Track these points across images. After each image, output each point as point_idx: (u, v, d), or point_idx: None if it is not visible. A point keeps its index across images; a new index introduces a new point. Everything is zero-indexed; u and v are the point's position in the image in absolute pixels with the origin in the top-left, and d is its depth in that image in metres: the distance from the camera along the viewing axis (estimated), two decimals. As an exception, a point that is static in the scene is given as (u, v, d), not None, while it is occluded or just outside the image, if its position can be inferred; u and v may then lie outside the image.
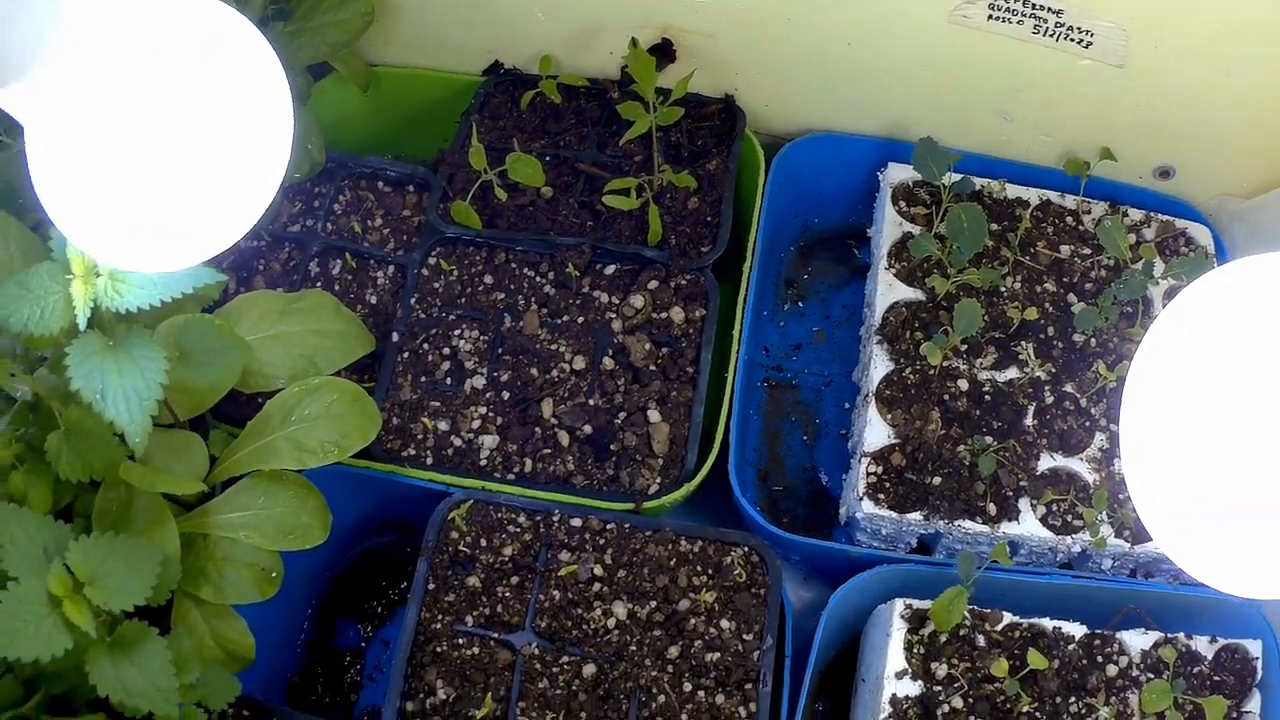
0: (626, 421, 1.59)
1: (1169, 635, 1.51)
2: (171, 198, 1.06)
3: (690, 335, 1.63)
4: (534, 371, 1.61)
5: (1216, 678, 1.51)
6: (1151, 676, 1.49)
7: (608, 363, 1.62)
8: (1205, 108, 1.61)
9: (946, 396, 1.61)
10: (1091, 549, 1.58)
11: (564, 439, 1.58)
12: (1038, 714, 1.48)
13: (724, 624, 1.50)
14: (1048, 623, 1.53)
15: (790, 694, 1.50)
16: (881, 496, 1.57)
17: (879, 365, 1.64)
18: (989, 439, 1.58)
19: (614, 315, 1.64)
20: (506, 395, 1.61)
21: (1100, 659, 1.51)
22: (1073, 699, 1.49)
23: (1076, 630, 1.53)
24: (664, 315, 1.64)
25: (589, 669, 1.47)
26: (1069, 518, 1.59)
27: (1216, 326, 0.98)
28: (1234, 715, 1.54)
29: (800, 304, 1.87)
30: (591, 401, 1.60)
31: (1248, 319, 0.96)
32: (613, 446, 1.58)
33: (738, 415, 1.61)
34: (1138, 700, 1.49)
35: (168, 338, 1.38)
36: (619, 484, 1.57)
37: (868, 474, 1.58)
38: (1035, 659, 1.48)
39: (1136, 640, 1.52)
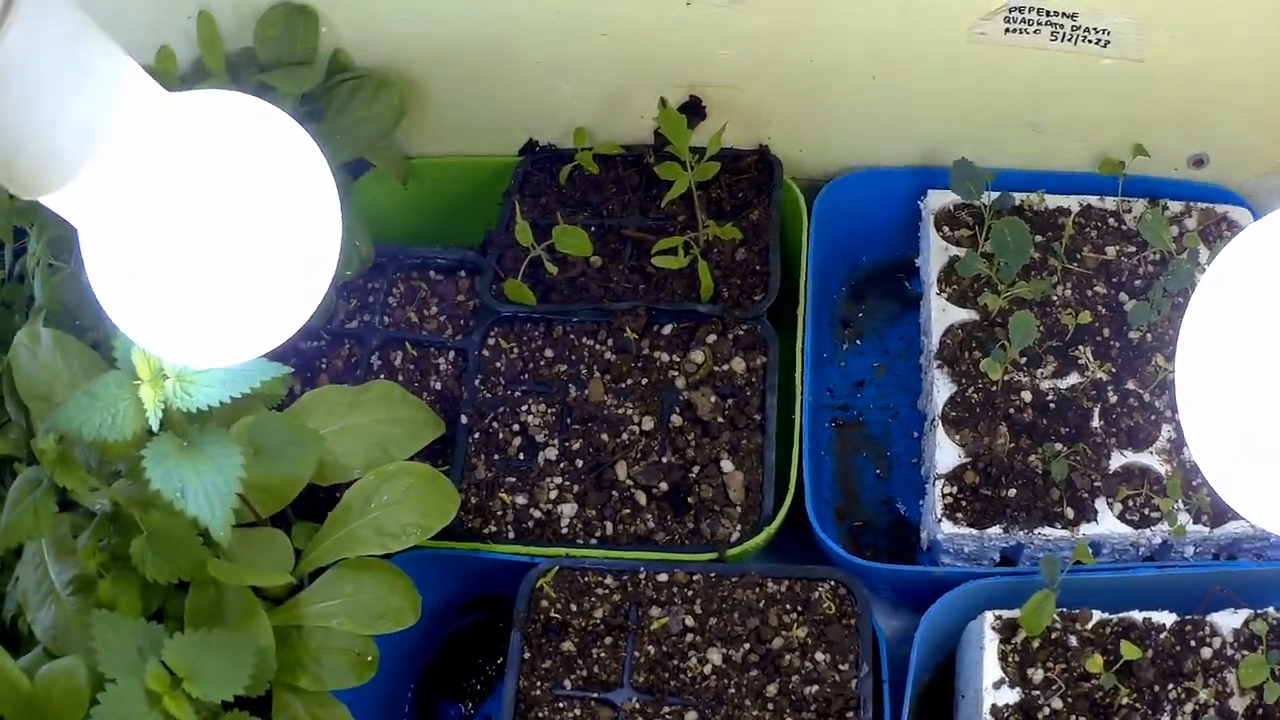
0: (701, 474, 1.74)
1: (1258, 611, 1.62)
2: (227, 293, 1.12)
3: (754, 384, 1.78)
4: (604, 437, 1.77)
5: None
6: (1246, 653, 1.61)
7: (676, 420, 1.77)
8: (1229, 88, 1.72)
9: (1012, 410, 1.78)
10: (1171, 538, 1.73)
11: (641, 498, 1.74)
12: (1138, 705, 1.64)
13: (819, 656, 1.66)
14: (1137, 615, 1.67)
15: (891, 718, 1.68)
16: (959, 515, 1.74)
17: (942, 389, 1.78)
18: (1058, 445, 1.73)
19: (676, 373, 1.79)
20: (580, 463, 1.76)
21: (1193, 643, 1.64)
22: (1170, 686, 1.63)
23: (1166, 619, 1.67)
24: (725, 367, 1.79)
25: (691, 717, 1.65)
26: (1146, 511, 1.73)
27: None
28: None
29: (858, 342, 2.00)
30: (664, 459, 1.76)
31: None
32: (690, 500, 1.73)
33: (809, 456, 1.76)
34: (1235, 678, 1.65)
35: (240, 436, 1.49)
36: (700, 536, 1.72)
37: (943, 495, 1.74)
38: (1128, 650, 1.63)
39: (1227, 620, 1.65)
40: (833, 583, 1.67)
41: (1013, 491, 1.71)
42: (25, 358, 1.62)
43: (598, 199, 1.92)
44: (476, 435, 1.79)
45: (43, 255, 1.75)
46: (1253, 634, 1.64)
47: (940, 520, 1.70)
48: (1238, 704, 1.61)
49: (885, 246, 2.03)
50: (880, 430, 1.94)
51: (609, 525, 1.72)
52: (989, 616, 1.65)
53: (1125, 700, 1.61)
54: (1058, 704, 1.62)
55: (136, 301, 1.11)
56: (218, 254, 1.09)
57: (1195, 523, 1.69)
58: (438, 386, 1.84)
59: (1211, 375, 1.11)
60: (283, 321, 1.21)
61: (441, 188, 2.01)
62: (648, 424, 1.76)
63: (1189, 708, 1.61)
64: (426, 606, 1.67)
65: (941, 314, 1.82)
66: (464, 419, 1.79)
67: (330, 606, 1.60)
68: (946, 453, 1.74)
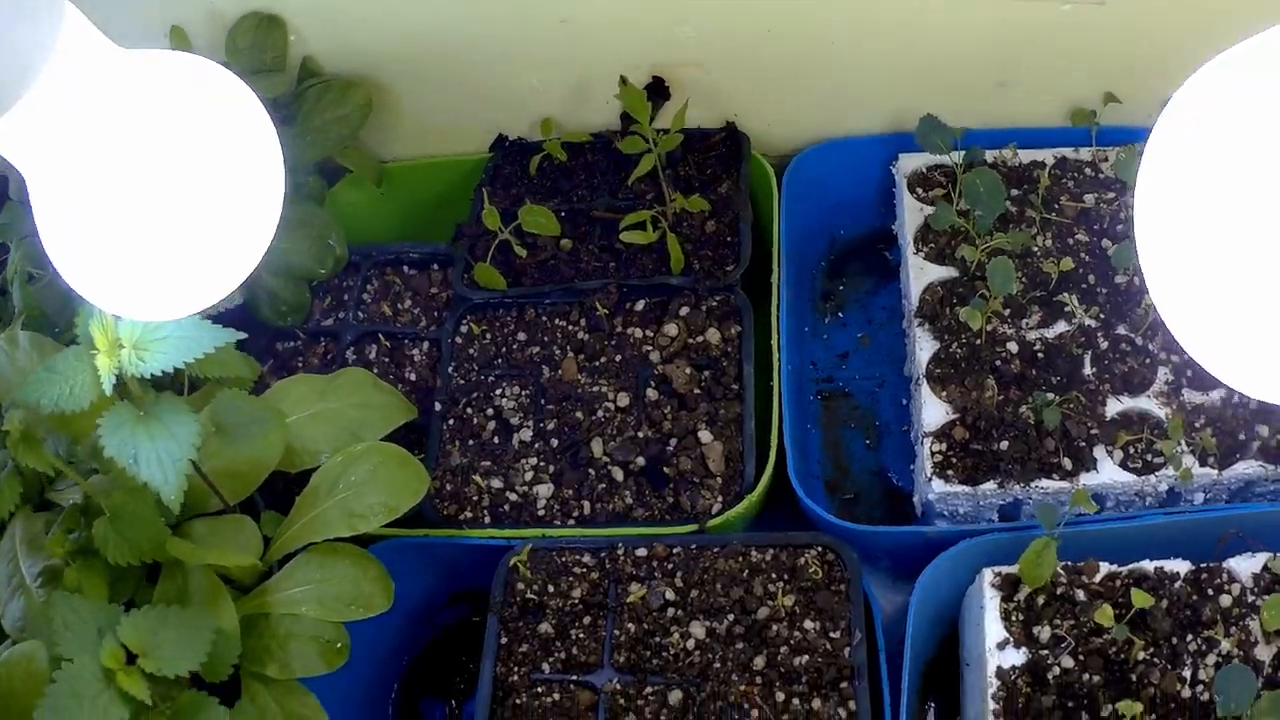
0: (679, 447, 1.48)
1: (1278, 554, 1.36)
2: (169, 242, 1.02)
3: (730, 354, 1.53)
4: (579, 415, 1.52)
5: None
6: (1268, 598, 1.34)
7: (651, 394, 1.51)
8: (1192, 24, 1.47)
9: (998, 362, 1.49)
10: (1179, 484, 1.43)
11: (618, 475, 1.48)
12: (1155, 659, 1.33)
13: (807, 625, 1.37)
14: (1148, 565, 1.38)
15: (891, 690, 1.35)
16: (950, 473, 1.44)
17: (924, 346, 1.51)
18: (1050, 395, 1.46)
19: (650, 347, 1.54)
20: (555, 443, 1.50)
21: (1211, 591, 1.35)
22: (1189, 637, 1.33)
23: (1180, 567, 1.37)
24: (700, 339, 1.54)
25: (675, 696, 1.35)
26: (1149, 457, 1.44)
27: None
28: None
29: (840, 314, 1.74)
30: (640, 434, 1.49)
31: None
32: (668, 473, 1.46)
33: (793, 427, 1.49)
34: (1259, 626, 1.33)
35: (204, 417, 1.30)
36: (680, 509, 1.45)
37: (932, 454, 1.45)
38: (1140, 598, 1.32)
39: (1245, 565, 1.36)
40: (819, 548, 1.39)
41: (1005, 444, 1.42)
42: (3, 360, 1.44)
43: (567, 185, 1.68)
44: (450, 422, 1.53)
45: (20, 264, 1.58)
46: (1274, 577, 1.36)
47: (930, 480, 1.41)
48: (1264, 652, 1.33)
49: (862, 219, 1.77)
50: (867, 400, 1.67)
51: (586, 504, 1.46)
52: (987, 574, 1.36)
53: (1141, 655, 1.31)
54: (1068, 662, 1.32)
55: (81, 249, 0.99)
56: (161, 202, 0.99)
57: (1202, 465, 1.41)
58: (412, 377, 1.59)
59: (1171, 225, 0.86)
60: (224, 274, 1.08)
61: (416, 190, 1.78)
62: (623, 400, 1.50)
63: (1211, 659, 1.32)
64: (408, 602, 1.46)
65: (920, 273, 1.55)
66: (438, 406, 1.54)
67: (299, 593, 1.37)
68: (933, 410, 1.46)
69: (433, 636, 1.61)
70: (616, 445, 1.48)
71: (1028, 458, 1.43)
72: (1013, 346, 1.49)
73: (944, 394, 1.48)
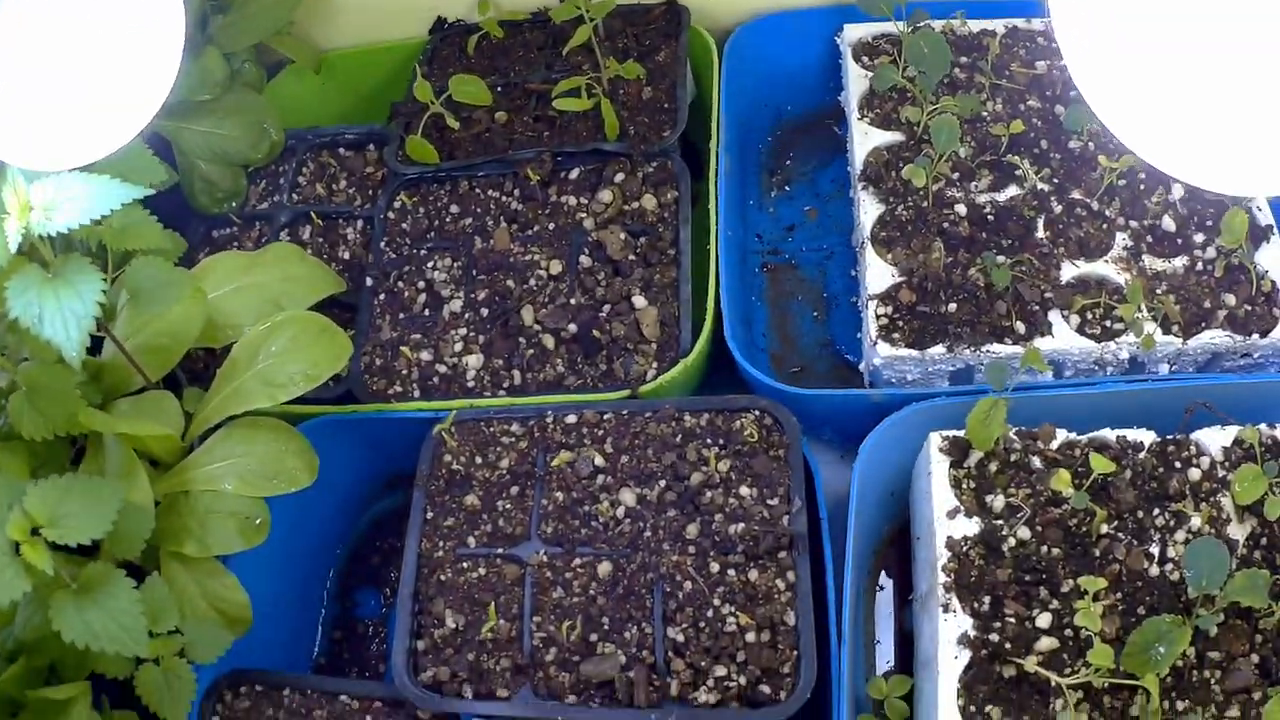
0: (612, 313, 1.24)
1: (1250, 425, 1.12)
2: (68, 86, 0.94)
3: (666, 219, 1.29)
4: (510, 284, 1.28)
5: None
6: (1239, 470, 1.09)
7: (585, 261, 1.28)
8: None
9: (946, 225, 1.25)
10: (1141, 353, 1.18)
11: (549, 342, 1.24)
12: (1120, 533, 1.08)
13: (744, 491, 1.12)
14: (1109, 433, 1.13)
15: (835, 563, 1.11)
16: (896, 336, 1.20)
17: (869, 210, 1.27)
18: (1000, 257, 1.20)
19: (584, 215, 1.30)
20: (485, 312, 1.27)
21: (1178, 465, 1.11)
22: (1156, 511, 1.09)
23: (1145, 437, 1.13)
24: (636, 205, 1.30)
25: (604, 567, 1.11)
26: (1107, 323, 1.20)
27: None
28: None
29: (787, 188, 1.50)
30: (573, 301, 1.25)
31: None
32: (601, 339, 1.23)
33: (732, 292, 1.25)
34: (1231, 502, 1.08)
35: (118, 285, 1.13)
36: (613, 377, 1.22)
37: (877, 317, 1.21)
38: (1099, 462, 1.08)
39: (1215, 438, 1.12)
40: (757, 412, 1.14)
41: (953, 306, 1.18)
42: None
43: (505, 63, 1.45)
44: (381, 296, 1.30)
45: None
46: (1246, 451, 1.13)
47: (875, 344, 1.17)
48: (1237, 530, 1.12)
49: (809, 94, 1.53)
50: (815, 272, 1.44)
51: (516, 374, 1.22)
52: (935, 438, 1.13)
53: (1105, 529, 1.07)
54: (1025, 533, 1.08)
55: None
56: (58, 46, 0.92)
57: (1165, 333, 1.17)
58: (346, 256, 1.36)
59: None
60: (127, 116, 0.99)
61: (357, 78, 1.56)
62: (555, 268, 1.26)
63: (1180, 536, 1.09)
64: (341, 491, 1.29)
65: (864, 138, 1.32)
66: (369, 281, 1.29)
67: (219, 469, 1.18)
68: (878, 273, 1.23)
69: (367, 526, 1.36)
70: (548, 313, 1.24)
71: (978, 321, 1.18)
72: (961, 209, 1.25)
73: (889, 257, 1.24)
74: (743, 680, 1.05)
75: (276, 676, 1.17)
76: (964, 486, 1.11)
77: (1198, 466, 1.12)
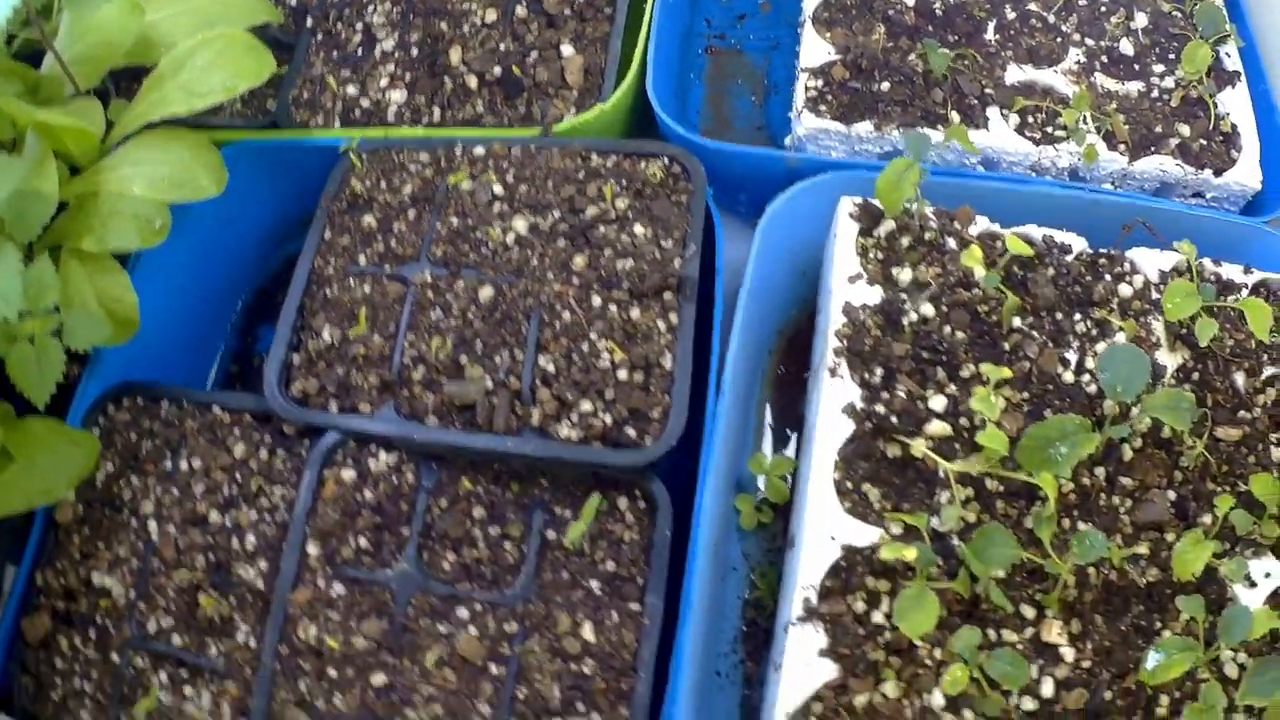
0: (539, 59, 1.07)
1: (1177, 243, 0.92)
2: None
3: (608, -22, 1.11)
4: (444, 27, 1.11)
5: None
6: (1170, 284, 0.89)
7: (520, 11, 1.10)
8: None
9: (891, 12, 1.06)
10: (1083, 165, 0.98)
11: (473, 83, 1.07)
12: (1035, 332, 0.88)
13: (638, 230, 0.94)
14: (1036, 230, 0.93)
15: (724, 318, 0.93)
16: (823, 108, 1.01)
17: (816, -7, 1.08)
18: (942, 47, 1.00)
19: (528, -32, 1.12)
20: (415, 53, 1.09)
21: (1109, 277, 0.91)
22: (1078, 316, 0.90)
23: (1076, 242, 0.94)
24: (580, -36, 1.12)
25: (486, 291, 0.93)
26: (1049, 129, 1.00)
27: None
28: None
29: None
30: (503, 46, 1.08)
31: None
32: (524, 82, 1.05)
33: (674, 73, 1.08)
34: (1163, 328, 0.88)
35: None
36: (531, 120, 1.04)
37: (807, 89, 1.02)
38: (1016, 244, 0.87)
39: (1152, 259, 0.93)
40: (667, 159, 0.94)
41: (886, 85, 1.00)
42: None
43: None
44: (319, 36, 1.15)
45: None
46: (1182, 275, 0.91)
47: (801, 114, 0.95)
48: (1167, 358, 0.92)
49: None
50: (760, 60, 1.27)
51: (437, 111, 1.07)
52: (845, 202, 0.92)
53: (1018, 323, 0.87)
54: (929, 310, 0.89)
55: None
56: None
57: (1110, 149, 0.96)
58: (292, 2, 1.13)
59: None
60: None
61: None
62: (490, 16, 1.10)
63: (1102, 347, 0.85)
64: (259, 227, 1.13)
65: None
66: (309, 21, 1.10)
67: (129, 173, 1.02)
68: (815, 49, 1.06)
69: (279, 264, 1.19)
70: (476, 55, 1.07)
71: (910, 103, 0.99)
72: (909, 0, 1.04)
73: (829, 36, 1.06)
74: (609, 419, 0.87)
75: (156, 389, 1.00)
76: (871, 256, 0.92)
77: (1130, 284, 0.92)
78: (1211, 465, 0.87)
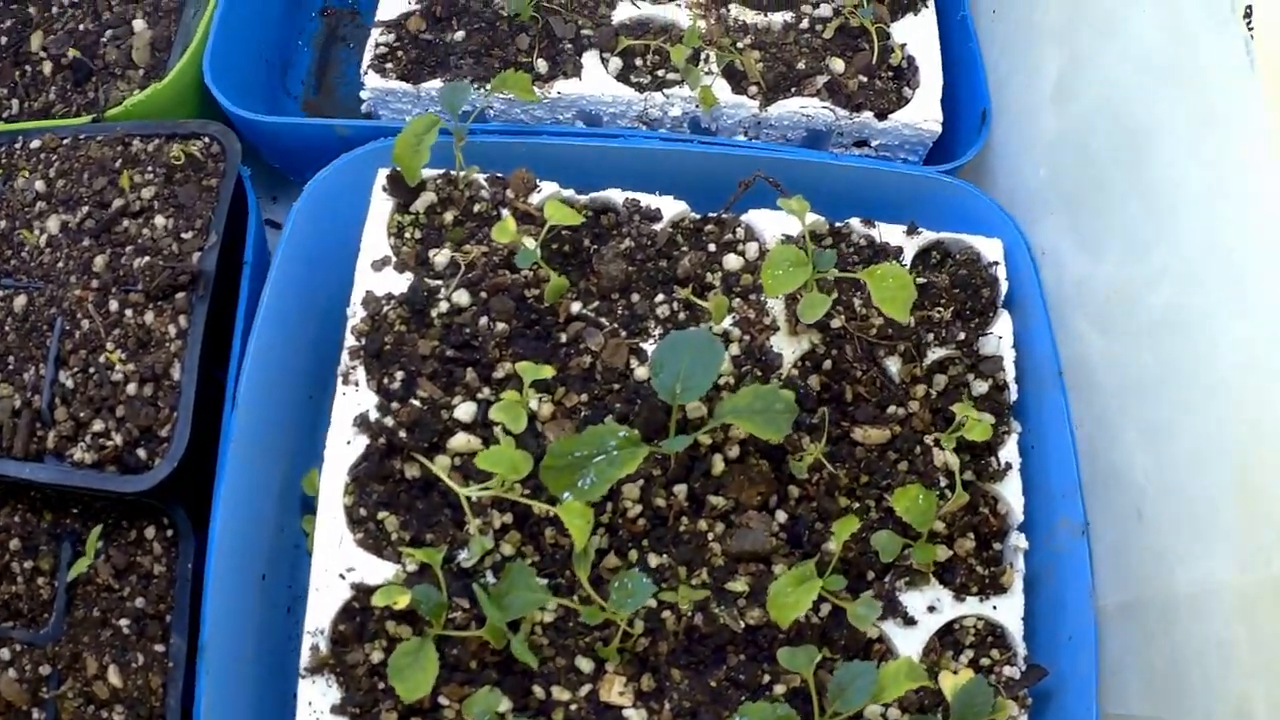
0: (112, 38, 0.99)
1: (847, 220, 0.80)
2: None
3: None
4: (32, 11, 1.03)
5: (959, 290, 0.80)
6: (770, 253, 0.76)
7: None
8: None
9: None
10: (702, 113, 0.86)
11: (48, 69, 1.00)
12: (602, 318, 0.77)
13: (159, 221, 0.87)
14: (617, 194, 0.82)
15: (245, 319, 0.84)
16: (390, 66, 0.91)
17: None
18: (530, -12, 0.90)
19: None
20: (4, 40, 1.02)
21: (714, 247, 0.79)
22: (660, 297, 0.78)
23: (671, 206, 0.81)
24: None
25: (20, 301, 0.87)
26: (663, 73, 0.87)
27: None
28: (971, 330, 0.79)
29: None
30: (82, 26, 1.00)
31: None
32: (94, 64, 0.98)
33: (273, 37, 0.98)
34: (782, 306, 0.76)
35: None
36: (98, 105, 0.96)
37: (377, 45, 0.92)
38: (556, 211, 0.76)
39: (775, 223, 0.79)
40: (207, 139, 0.84)
41: (461, 35, 0.86)
42: None
43: None
44: None
45: None
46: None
47: (366, 73, 0.85)
48: (788, 344, 0.81)
49: None
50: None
51: (15, 104, 0.98)
52: (382, 174, 0.80)
53: (579, 308, 0.82)
54: (463, 298, 0.80)
55: None
56: None
57: (737, 92, 0.83)
58: None
59: None
60: None
61: None
62: None
63: (669, 310, 0.81)
64: None
65: None
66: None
67: None
68: (393, 2, 0.89)
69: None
70: (55, 39, 1.01)
71: (486, 54, 0.88)
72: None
73: (413, -14, 0.93)
74: (119, 439, 0.80)
75: None
76: (406, 236, 0.82)
77: (742, 254, 0.80)
78: (840, 478, 0.75)
